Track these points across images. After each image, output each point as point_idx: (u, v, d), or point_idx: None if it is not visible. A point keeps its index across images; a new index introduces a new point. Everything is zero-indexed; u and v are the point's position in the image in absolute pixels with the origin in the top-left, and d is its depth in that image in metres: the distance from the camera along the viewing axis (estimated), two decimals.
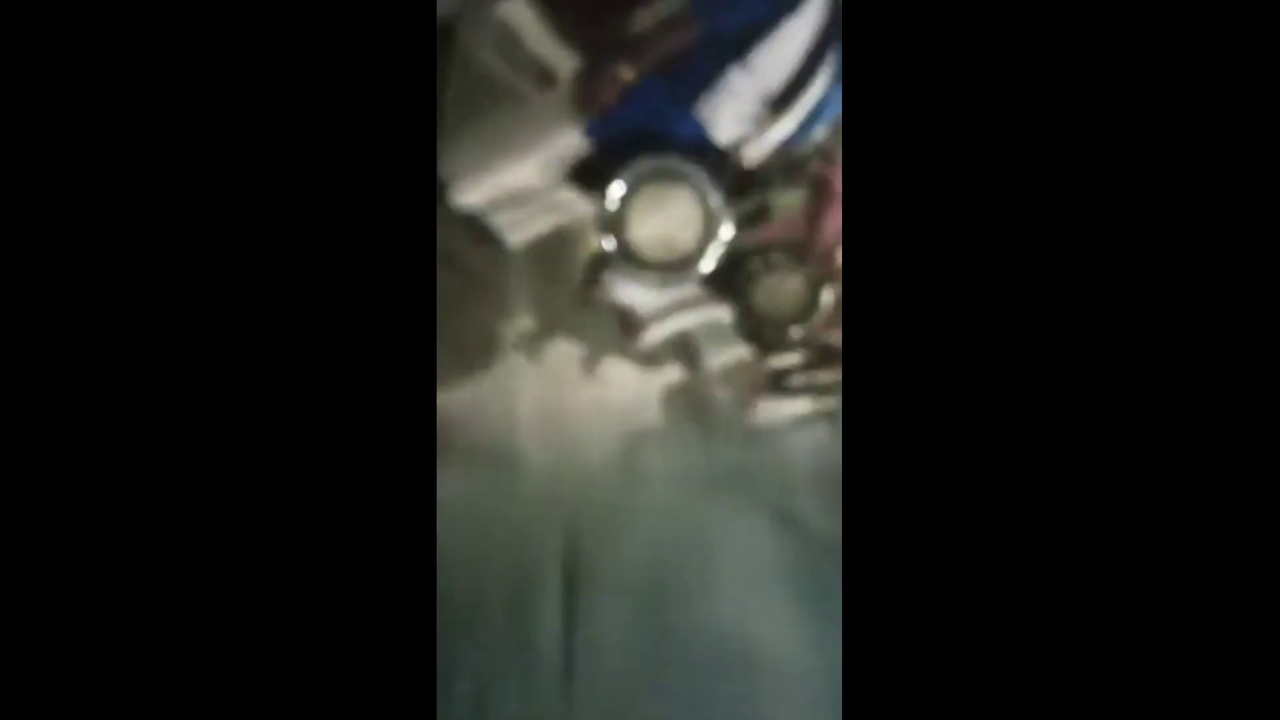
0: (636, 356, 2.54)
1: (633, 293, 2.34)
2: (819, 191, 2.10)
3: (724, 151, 1.44)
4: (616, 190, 1.40)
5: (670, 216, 1.45)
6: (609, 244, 1.45)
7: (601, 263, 2.46)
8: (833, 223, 2.16)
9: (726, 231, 1.48)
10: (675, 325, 2.59)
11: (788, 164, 1.73)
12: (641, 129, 1.41)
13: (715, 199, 1.43)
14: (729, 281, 2.14)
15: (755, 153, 1.46)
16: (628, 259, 1.47)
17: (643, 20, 1.46)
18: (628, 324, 2.52)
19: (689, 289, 2.38)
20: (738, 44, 1.34)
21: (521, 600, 1.40)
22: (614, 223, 1.45)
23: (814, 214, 2.09)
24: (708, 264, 1.50)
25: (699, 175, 1.41)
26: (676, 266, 1.51)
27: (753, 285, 2.05)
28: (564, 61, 1.48)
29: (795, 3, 1.32)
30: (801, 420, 3.35)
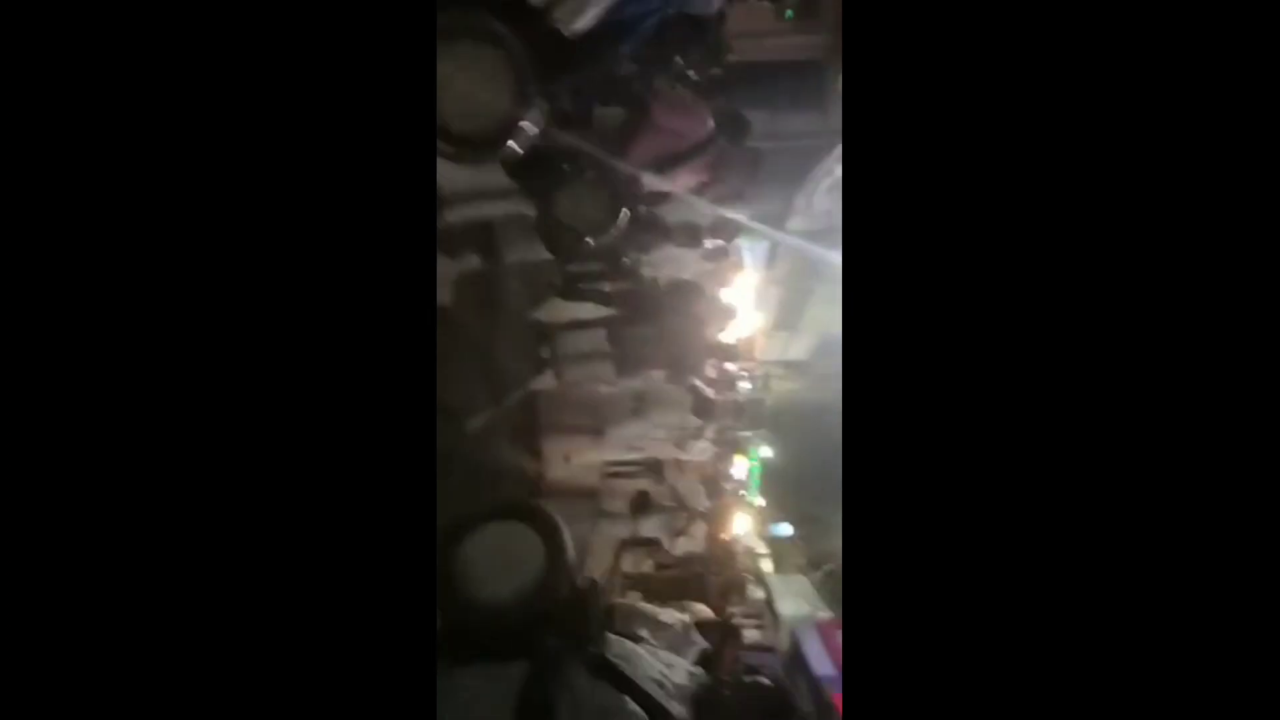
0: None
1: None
2: (636, 113, 2.17)
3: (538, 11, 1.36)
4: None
5: (479, 81, 1.33)
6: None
7: None
8: (643, 146, 2.26)
9: (535, 116, 1.39)
10: (477, 212, 2.55)
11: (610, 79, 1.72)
12: None
13: (527, 70, 1.32)
14: (535, 179, 2.15)
15: (573, 19, 1.38)
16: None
17: None
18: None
19: (495, 177, 2.34)
20: None
21: None
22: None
23: (629, 134, 2.16)
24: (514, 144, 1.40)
25: (512, 40, 1.30)
26: (482, 142, 1.40)
27: (558, 189, 2.09)
28: None
29: None
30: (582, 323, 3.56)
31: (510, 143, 1.43)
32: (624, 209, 2.12)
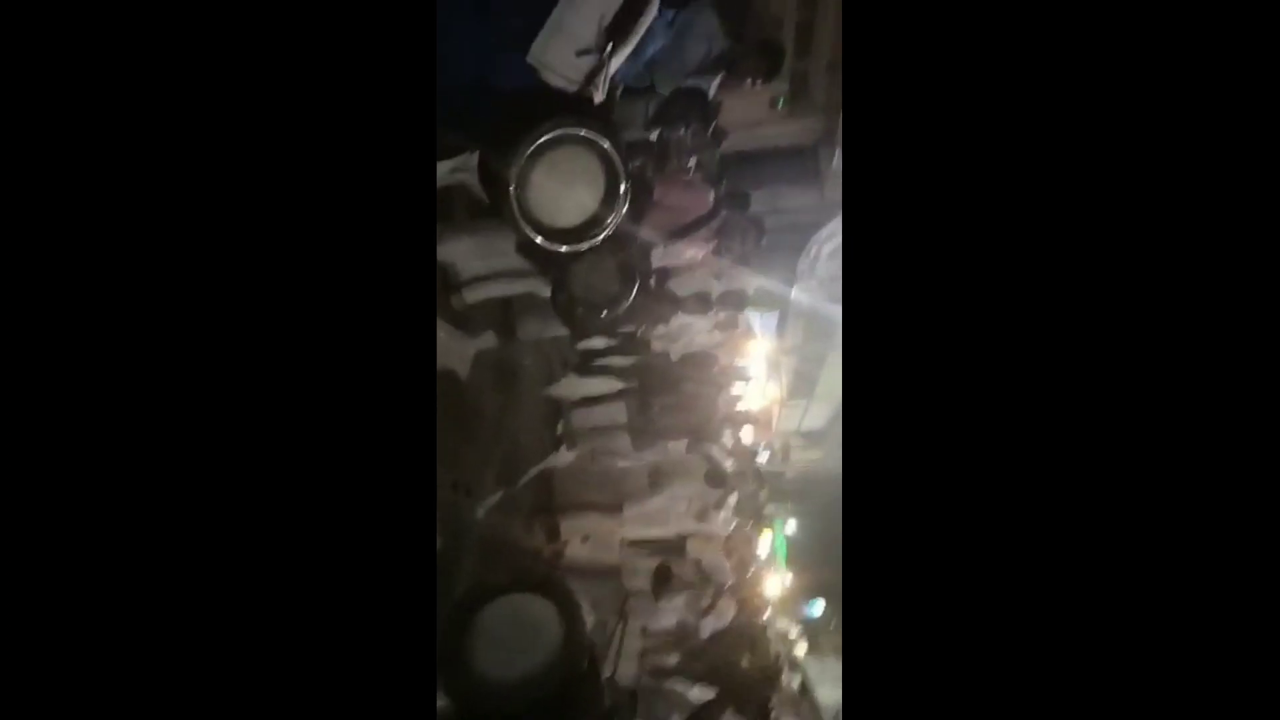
0: (452, 316, 2.55)
1: (453, 250, 2.35)
2: (641, 192, 2.29)
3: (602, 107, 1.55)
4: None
5: (573, 179, 1.50)
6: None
7: None
8: (650, 223, 2.37)
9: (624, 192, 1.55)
10: (495, 292, 2.65)
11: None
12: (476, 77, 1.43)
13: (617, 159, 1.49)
14: (548, 257, 2.24)
15: (601, 88, 1.53)
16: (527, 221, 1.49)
17: None
18: (447, 282, 2.52)
19: (511, 258, 2.45)
20: None
21: None
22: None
23: (635, 212, 2.27)
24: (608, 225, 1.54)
25: (601, 140, 1.46)
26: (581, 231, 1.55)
27: (572, 265, 2.18)
28: None
29: None
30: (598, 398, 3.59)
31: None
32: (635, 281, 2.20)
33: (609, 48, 1.46)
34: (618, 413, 3.35)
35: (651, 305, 2.67)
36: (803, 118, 6.74)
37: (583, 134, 1.47)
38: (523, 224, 1.52)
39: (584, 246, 1.57)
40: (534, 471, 3.28)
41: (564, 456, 3.39)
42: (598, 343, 3.78)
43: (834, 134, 6.53)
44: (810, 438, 11.10)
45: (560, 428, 3.54)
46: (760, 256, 3.33)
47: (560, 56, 1.46)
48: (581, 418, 3.42)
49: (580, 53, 1.46)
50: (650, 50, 1.71)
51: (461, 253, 2.29)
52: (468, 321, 2.62)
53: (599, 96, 1.54)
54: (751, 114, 6.25)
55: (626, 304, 2.20)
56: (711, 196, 2.36)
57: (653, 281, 2.45)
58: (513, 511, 3.04)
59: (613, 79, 1.58)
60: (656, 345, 3.45)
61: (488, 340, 2.82)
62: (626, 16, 1.45)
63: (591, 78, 1.50)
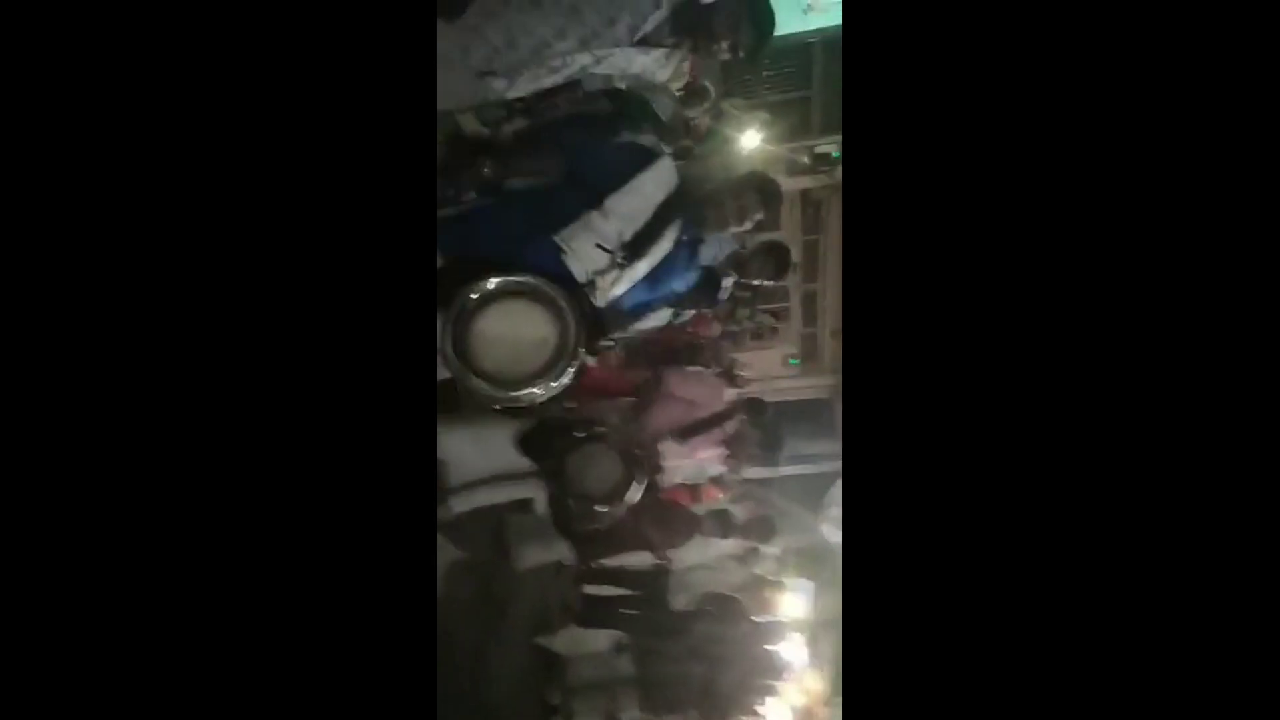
0: (440, 527, 2.26)
1: (446, 443, 2.18)
2: (651, 382, 2.20)
3: (580, 284, 1.48)
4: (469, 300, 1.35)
5: (522, 331, 1.40)
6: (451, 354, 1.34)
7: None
8: (660, 416, 2.22)
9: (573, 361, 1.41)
10: (486, 498, 2.39)
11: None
12: (495, 251, 1.44)
13: (572, 325, 1.39)
14: (542, 451, 2.06)
15: (605, 292, 1.50)
16: (471, 371, 1.37)
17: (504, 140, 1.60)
18: (439, 484, 2.29)
19: (507, 456, 2.25)
20: (595, 189, 1.47)
21: None
22: (460, 333, 1.36)
23: (644, 402, 2.15)
24: (551, 383, 1.39)
25: (561, 298, 1.40)
26: (517, 383, 1.39)
27: (569, 458, 1.97)
28: None
29: (647, 160, 1.51)
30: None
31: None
32: (636, 480, 1.95)
33: (622, 258, 1.50)
34: (623, 669, 2.74)
35: (666, 522, 2.35)
36: (816, 376, 7.06)
37: (531, 283, 1.41)
38: (463, 371, 1.38)
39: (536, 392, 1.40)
40: None
41: None
42: (605, 590, 3.31)
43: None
44: None
45: (554, 697, 2.88)
46: (782, 486, 3.07)
47: (584, 246, 1.49)
48: (580, 675, 2.80)
49: (599, 246, 1.49)
50: (676, 285, 1.72)
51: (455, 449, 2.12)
52: (456, 534, 2.30)
53: (599, 301, 1.53)
54: (769, 369, 6.59)
55: (628, 499, 1.92)
56: (727, 395, 2.25)
57: (660, 481, 2.18)
58: None
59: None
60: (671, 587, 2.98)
61: (479, 558, 2.45)
62: (645, 241, 1.51)
63: (601, 275, 1.51)
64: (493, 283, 1.38)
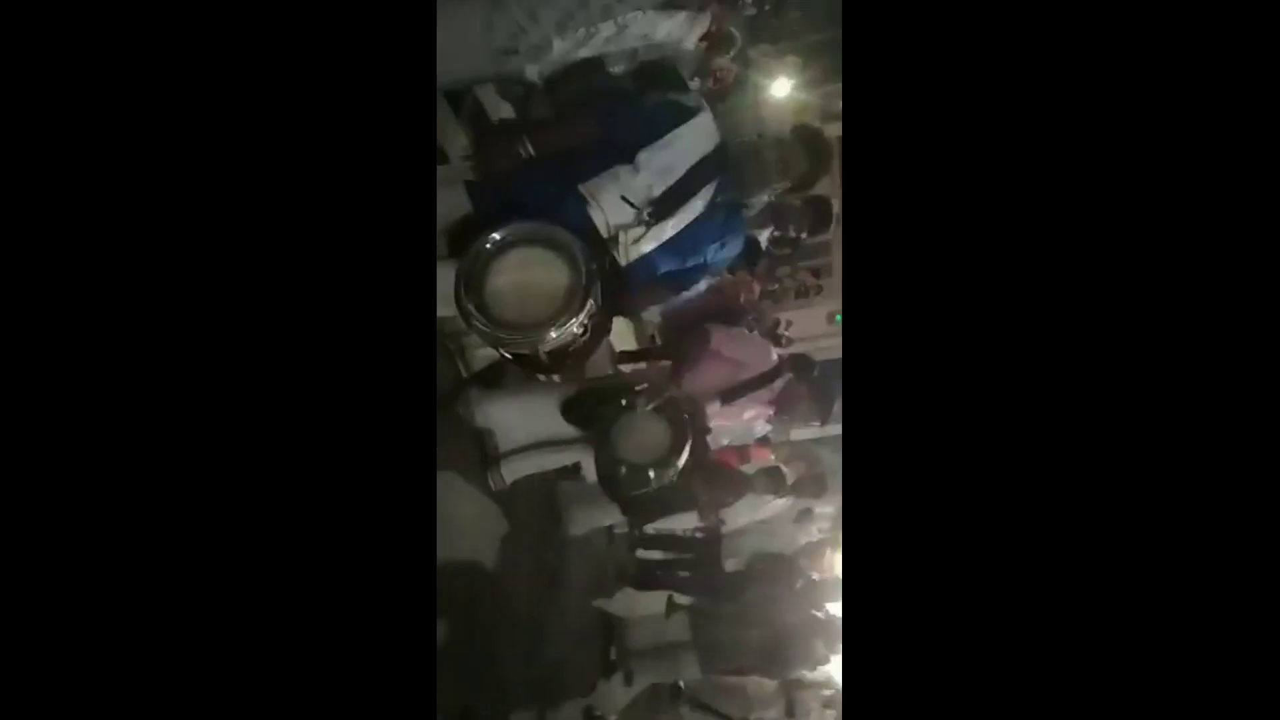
0: (491, 493, 2.29)
1: (491, 412, 2.19)
2: (697, 342, 2.15)
3: (601, 238, 1.42)
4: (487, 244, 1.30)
5: (534, 278, 1.34)
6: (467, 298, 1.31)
7: (464, 383, 2.34)
8: (706, 376, 2.18)
9: (588, 307, 1.34)
10: (535, 465, 2.41)
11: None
12: (528, 203, 1.39)
13: (584, 273, 1.32)
14: (590, 418, 2.05)
15: (628, 248, 1.44)
16: (481, 313, 1.31)
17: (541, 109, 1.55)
18: (487, 453, 2.32)
19: (553, 423, 2.25)
20: (630, 147, 1.40)
21: None
22: (475, 276, 1.31)
23: (690, 363, 2.11)
24: (555, 333, 1.32)
25: (574, 246, 1.34)
26: (528, 329, 1.33)
27: (614, 424, 1.95)
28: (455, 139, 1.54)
29: (685, 116, 1.43)
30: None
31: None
32: (683, 442, 1.92)
33: (649, 214, 1.44)
34: (680, 631, 2.76)
35: (716, 485, 2.33)
36: None
37: (547, 231, 1.35)
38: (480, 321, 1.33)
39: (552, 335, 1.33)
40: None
41: (615, 685, 2.75)
42: (657, 554, 3.33)
43: None
44: None
45: (612, 652, 2.94)
46: (834, 444, 3.00)
47: (609, 198, 1.43)
48: (637, 637, 2.84)
49: (624, 199, 1.44)
50: (710, 252, 1.64)
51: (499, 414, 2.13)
52: (508, 504, 2.34)
53: (622, 257, 1.48)
54: (812, 329, 6.45)
55: (678, 465, 1.90)
56: (775, 354, 2.18)
57: (709, 441, 2.15)
58: None
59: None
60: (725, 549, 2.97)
61: (530, 529, 2.50)
62: (676, 198, 1.45)
63: (625, 230, 1.45)
64: (509, 228, 1.33)
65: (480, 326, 1.32)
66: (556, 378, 2.01)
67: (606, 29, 1.52)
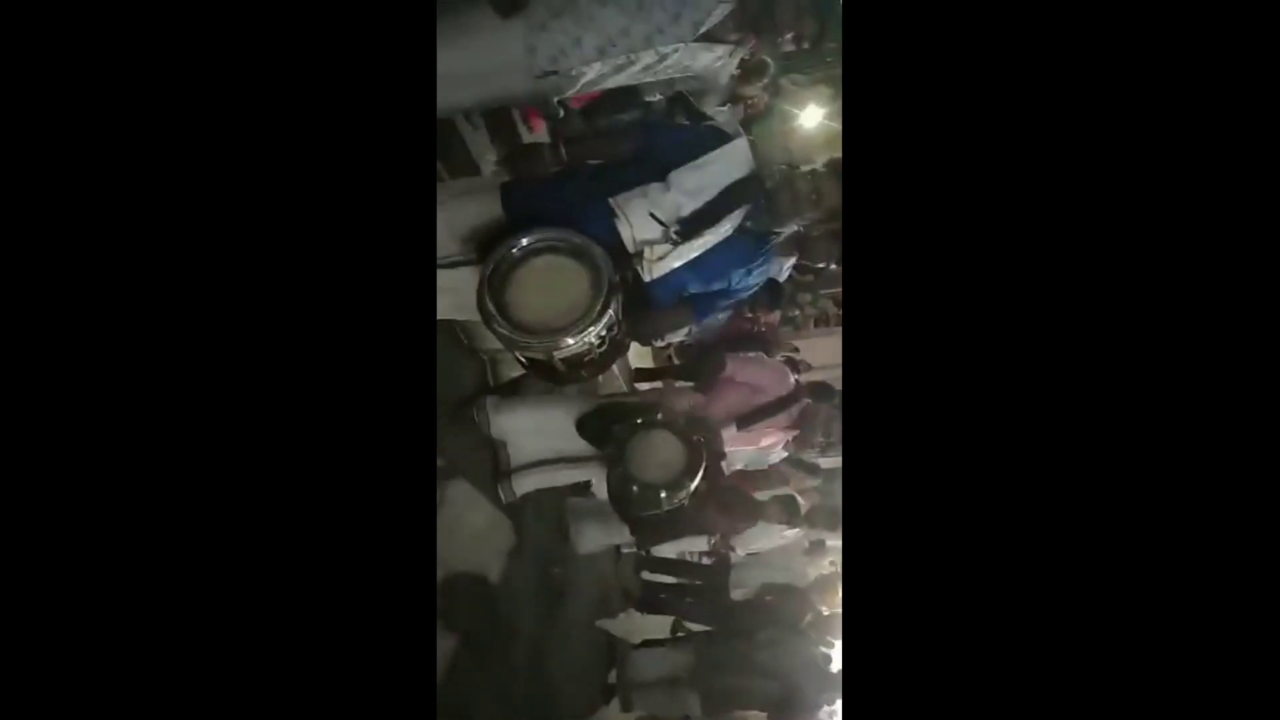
0: (501, 505, 2.27)
1: (506, 424, 2.19)
2: (714, 367, 2.13)
3: (626, 252, 1.43)
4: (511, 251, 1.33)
5: (556, 284, 1.36)
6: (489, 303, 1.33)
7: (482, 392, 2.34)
8: (723, 401, 2.15)
9: (606, 318, 1.35)
10: (546, 479, 2.39)
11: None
12: (555, 211, 1.41)
13: (606, 283, 1.34)
14: (605, 436, 2.03)
15: (652, 265, 1.43)
16: (502, 315, 1.33)
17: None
18: (499, 465, 2.31)
19: (569, 441, 2.23)
20: (663, 166, 1.41)
21: None
22: (498, 279, 1.33)
23: (706, 387, 2.09)
24: (573, 341, 1.34)
25: (598, 256, 1.36)
26: (546, 334, 1.34)
27: (629, 443, 1.93)
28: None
29: (720, 140, 1.43)
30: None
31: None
32: (698, 466, 1.89)
33: (676, 232, 1.44)
34: (683, 664, 2.69)
35: (727, 509, 2.29)
36: None
37: (571, 240, 1.37)
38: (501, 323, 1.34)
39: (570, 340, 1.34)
40: None
41: (613, 711, 2.69)
42: (662, 577, 3.27)
43: None
44: None
45: (612, 676, 2.87)
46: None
47: (637, 212, 1.44)
48: (641, 667, 2.78)
49: (652, 215, 1.44)
50: (735, 278, 1.63)
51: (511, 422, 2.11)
52: (516, 516, 2.32)
53: (646, 273, 1.48)
54: (832, 357, 6.38)
55: (690, 488, 1.87)
56: (793, 379, 2.15)
57: (723, 466, 2.12)
58: None
59: None
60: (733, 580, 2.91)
61: (540, 547, 2.47)
62: (703, 219, 1.46)
63: (651, 245, 1.45)
64: (535, 234, 1.35)
65: (499, 329, 1.33)
66: (573, 390, 2.01)
67: (647, 57, 1.54)
